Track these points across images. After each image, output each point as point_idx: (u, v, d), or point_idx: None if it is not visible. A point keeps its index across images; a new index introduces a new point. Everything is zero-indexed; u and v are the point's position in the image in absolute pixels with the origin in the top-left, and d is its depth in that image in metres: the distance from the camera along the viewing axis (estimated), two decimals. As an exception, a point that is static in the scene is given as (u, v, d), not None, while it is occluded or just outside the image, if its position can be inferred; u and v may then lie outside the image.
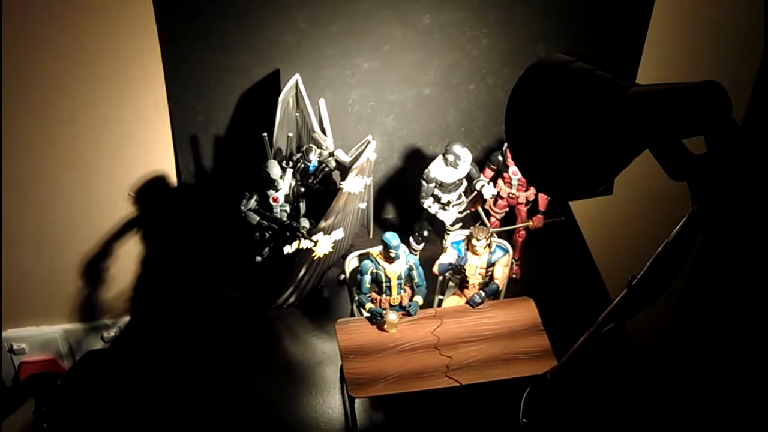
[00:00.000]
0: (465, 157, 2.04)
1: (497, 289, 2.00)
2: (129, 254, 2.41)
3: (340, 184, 1.93)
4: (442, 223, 2.14)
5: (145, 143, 2.19)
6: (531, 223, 2.16)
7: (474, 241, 1.94)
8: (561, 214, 2.24)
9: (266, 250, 2.08)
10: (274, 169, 1.97)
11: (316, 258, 1.96)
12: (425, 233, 2.19)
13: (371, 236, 2.27)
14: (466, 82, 2.19)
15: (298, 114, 2.04)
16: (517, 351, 1.91)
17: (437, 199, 2.10)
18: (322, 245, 1.94)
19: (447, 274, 2.03)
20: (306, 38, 2.02)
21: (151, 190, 2.28)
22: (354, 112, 2.17)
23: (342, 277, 2.15)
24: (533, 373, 1.86)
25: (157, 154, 2.21)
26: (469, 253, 1.97)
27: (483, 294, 1.99)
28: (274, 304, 2.12)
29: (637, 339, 2.12)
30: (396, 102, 2.18)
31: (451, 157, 2.03)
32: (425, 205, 2.10)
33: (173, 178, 2.26)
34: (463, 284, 2.03)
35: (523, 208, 2.16)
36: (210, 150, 2.17)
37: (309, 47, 2.04)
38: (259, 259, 2.09)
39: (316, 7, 1.98)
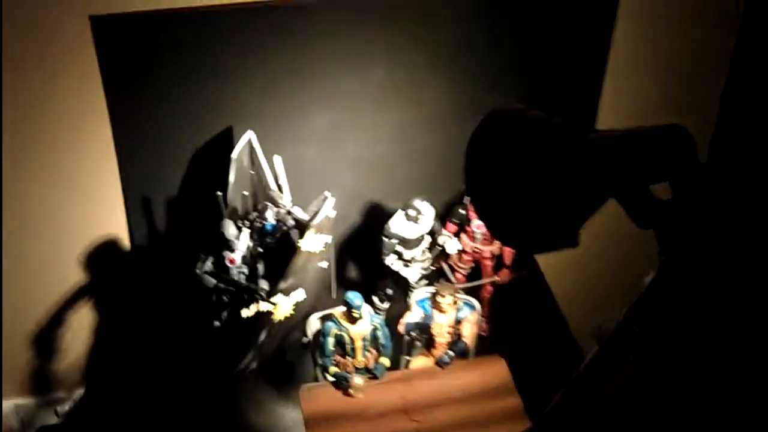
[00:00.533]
0: (426, 211, 1.99)
1: (465, 348, 1.94)
2: (81, 322, 2.32)
3: (299, 243, 1.88)
4: (406, 280, 2.08)
5: (97, 206, 2.13)
6: (497, 278, 2.11)
7: (439, 299, 1.89)
8: (527, 267, 2.20)
9: (224, 314, 2.00)
10: (229, 229, 1.91)
11: (276, 320, 1.89)
12: (389, 291, 2.12)
13: (334, 296, 2.21)
14: (425, 135, 2.17)
15: (253, 172, 1.99)
16: (489, 413, 1.85)
17: (400, 256, 2.05)
18: (282, 307, 1.88)
19: (413, 333, 1.96)
20: (261, 95, 1.99)
21: (104, 254, 2.20)
22: (311, 169, 2.12)
23: (305, 339, 2.07)
24: (506, 436, 1.79)
25: (109, 217, 2.14)
26: (435, 311, 1.91)
27: (452, 353, 1.93)
28: (234, 370, 2.04)
29: (612, 392, 2.06)
30: (354, 157, 2.15)
31: (412, 212, 1.98)
32: (387, 262, 2.04)
33: (126, 242, 2.19)
34: (430, 343, 1.96)
35: (489, 263, 2.11)
36: (163, 211, 2.11)
37: (265, 104, 2.00)
38: (217, 323, 2.01)
39: (271, 64, 1.96)
